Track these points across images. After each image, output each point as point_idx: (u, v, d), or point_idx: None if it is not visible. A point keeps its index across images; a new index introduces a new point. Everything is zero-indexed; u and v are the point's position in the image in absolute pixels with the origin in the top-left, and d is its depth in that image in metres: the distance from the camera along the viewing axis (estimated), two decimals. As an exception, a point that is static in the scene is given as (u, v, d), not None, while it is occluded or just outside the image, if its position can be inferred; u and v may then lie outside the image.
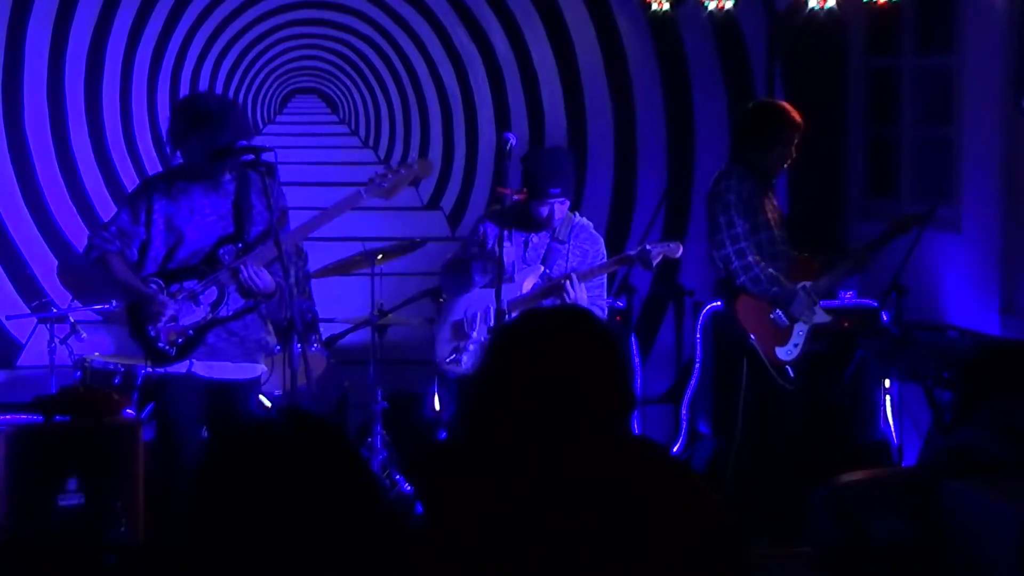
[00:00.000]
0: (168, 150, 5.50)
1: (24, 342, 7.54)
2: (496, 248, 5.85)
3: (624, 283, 7.30)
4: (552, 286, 5.90)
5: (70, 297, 6.99)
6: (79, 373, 6.57)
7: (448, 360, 6.11)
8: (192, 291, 5.37)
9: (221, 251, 5.38)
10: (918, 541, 5.65)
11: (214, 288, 5.39)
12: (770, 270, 6.28)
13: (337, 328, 7.29)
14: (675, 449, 7.54)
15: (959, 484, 5.64)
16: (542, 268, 5.98)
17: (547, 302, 5.85)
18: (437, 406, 7.17)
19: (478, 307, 6.05)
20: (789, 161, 6.42)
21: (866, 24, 8.04)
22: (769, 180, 6.43)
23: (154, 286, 5.37)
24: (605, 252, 6.10)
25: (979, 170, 7.15)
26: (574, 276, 5.84)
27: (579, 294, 5.83)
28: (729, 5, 7.59)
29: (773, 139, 6.31)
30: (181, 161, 5.43)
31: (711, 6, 7.60)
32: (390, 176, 5.50)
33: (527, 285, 5.97)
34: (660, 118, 8.33)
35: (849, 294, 7.35)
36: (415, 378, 6.84)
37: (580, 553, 2.40)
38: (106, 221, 5.58)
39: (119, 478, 6.09)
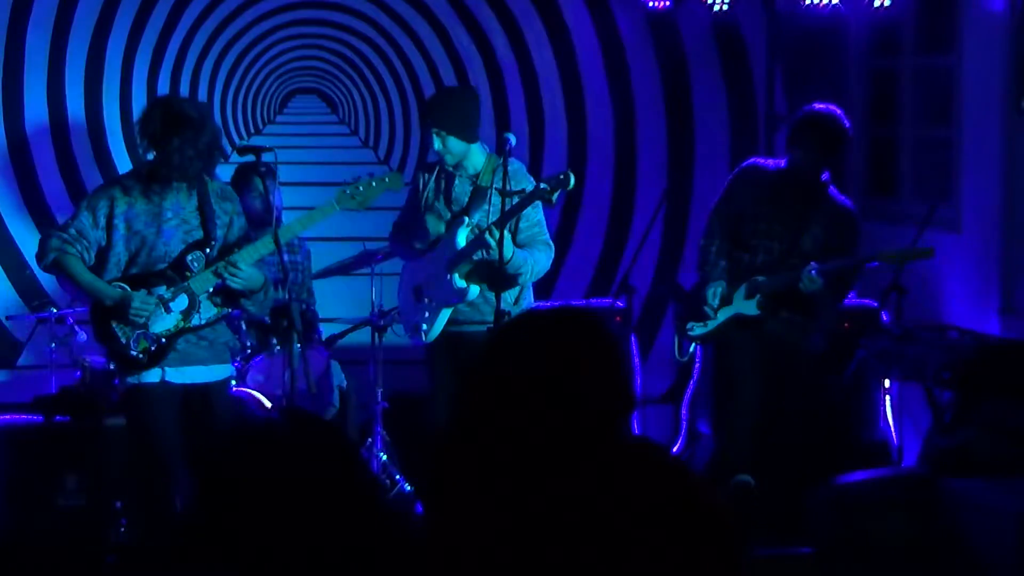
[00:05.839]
0: (141, 151, 5.39)
1: (24, 342, 7.54)
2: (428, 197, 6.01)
3: (624, 283, 7.29)
4: (477, 238, 5.87)
5: (70, 297, 6.98)
6: (79, 373, 6.57)
7: (411, 332, 6.20)
8: (162, 298, 5.31)
9: (189, 258, 5.32)
10: (918, 541, 5.65)
11: (184, 296, 5.33)
12: (715, 257, 6.59)
13: (337, 328, 7.28)
14: (675, 449, 7.53)
15: (959, 484, 5.65)
16: (465, 219, 5.97)
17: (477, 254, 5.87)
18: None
19: (428, 273, 6.09)
20: (818, 166, 6.46)
21: (866, 24, 8.04)
22: (798, 179, 6.50)
23: (119, 291, 5.27)
24: (531, 181, 5.90)
25: (979, 170, 7.15)
26: (491, 227, 5.75)
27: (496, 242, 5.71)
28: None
29: (794, 138, 6.49)
30: (148, 162, 5.33)
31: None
32: (361, 189, 5.54)
33: (460, 240, 5.98)
34: (660, 118, 8.33)
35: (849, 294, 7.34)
36: (415, 378, 6.83)
37: (580, 553, 2.40)
38: (63, 222, 5.41)
39: (119, 478, 6.09)
